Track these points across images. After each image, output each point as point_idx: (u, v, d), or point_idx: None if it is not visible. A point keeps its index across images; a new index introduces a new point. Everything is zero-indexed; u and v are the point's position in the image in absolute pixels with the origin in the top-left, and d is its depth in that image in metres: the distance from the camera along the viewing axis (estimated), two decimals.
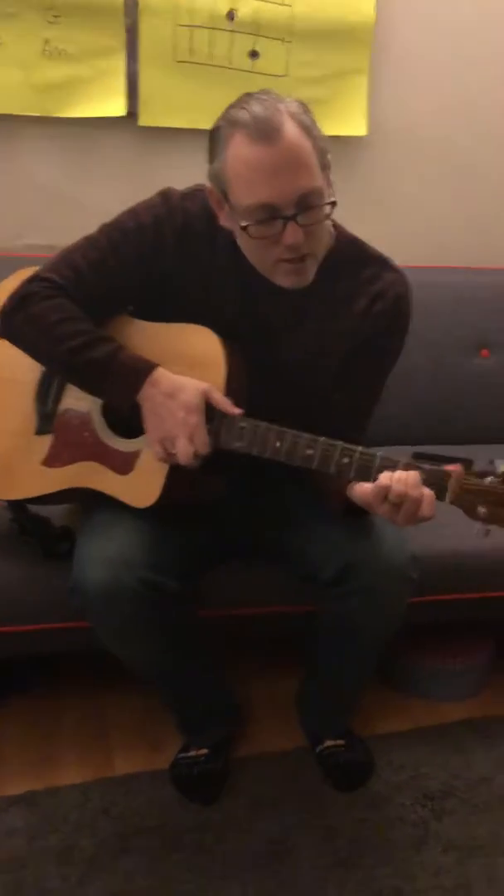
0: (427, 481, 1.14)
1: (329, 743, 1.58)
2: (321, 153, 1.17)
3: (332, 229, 1.29)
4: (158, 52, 1.91)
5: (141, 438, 1.29)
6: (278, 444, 1.20)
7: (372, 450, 1.17)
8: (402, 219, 2.15)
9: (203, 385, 1.21)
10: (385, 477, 1.13)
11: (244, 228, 1.16)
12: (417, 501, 1.12)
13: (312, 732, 1.62)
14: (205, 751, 1.54)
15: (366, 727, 1.68)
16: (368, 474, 1.16)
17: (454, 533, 1.56)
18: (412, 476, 1.13)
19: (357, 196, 2.05)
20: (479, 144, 2.15)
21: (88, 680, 1.77)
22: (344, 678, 1.52)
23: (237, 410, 1.22)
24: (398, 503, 1.13)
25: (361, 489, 1.18)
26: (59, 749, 1.61)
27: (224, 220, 1.23)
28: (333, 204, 1.18)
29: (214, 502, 1.35)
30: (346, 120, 2.06)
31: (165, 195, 1.29)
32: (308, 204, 1.14)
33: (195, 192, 1.29)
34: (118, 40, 1.89)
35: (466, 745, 1.65)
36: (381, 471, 1.15)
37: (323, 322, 1.31)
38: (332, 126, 2.02)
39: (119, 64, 1.91)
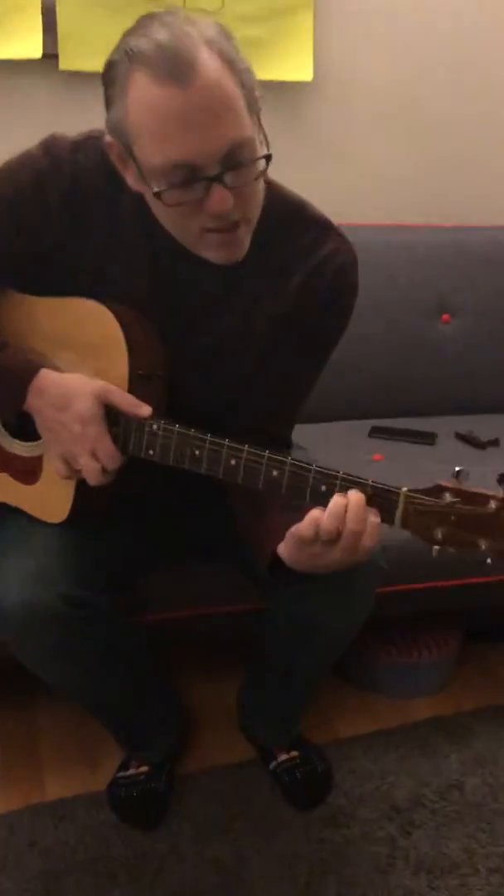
0: (372, 497, 0.92)
1: (283, 757, 1.43)
2: (248, 92, 0.91)
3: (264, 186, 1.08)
4: None
5: (42, 442, 1.09)
6: (196, 453, 0.99)
7: (306, 462, 0.95)
8: (352, 173, 1.97)
9: (96, 386, 1.00)
10: (311, 519, 0.92)
11: (157, 195, 0.92)
12: (357, 534, 0.91)
13: (262, 746, 1.46)
14: (145, 768, 1.38)
15: (324, 730, 1.54)
16: (303, 490, 0.95)
17: None
18: (353, 504, 0.91)
19: (302, 149, 1.90)
20: (436, 89, 1.97)
21: (16, 688, 1.59)
22: (298, 685, 1.35)
23: (144, 411, 1.00)
24: (331, 541, 0.92)
25: (290, 534, 0.96)
26: None
27: (132, 182, 0.98)
28: (268, 158, 0.94)
29: (137, 499, 1.17)
30: (290, 63, 1.86)
31: (48, 145, 1.03)
32: (237, 160, 0.90)
33: (89, 140, 1.03)
34: None
35: (435, 747, 1.51)
36: (316, 489, 0.94)
37: (255, 300, 1.09)
38: (273, 70, 1.83)
39: None
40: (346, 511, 0.91)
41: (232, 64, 0.90)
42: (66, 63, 1.73)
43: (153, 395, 1.04)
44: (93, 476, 1.01)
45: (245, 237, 0.99)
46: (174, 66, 0.86)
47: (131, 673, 1.27)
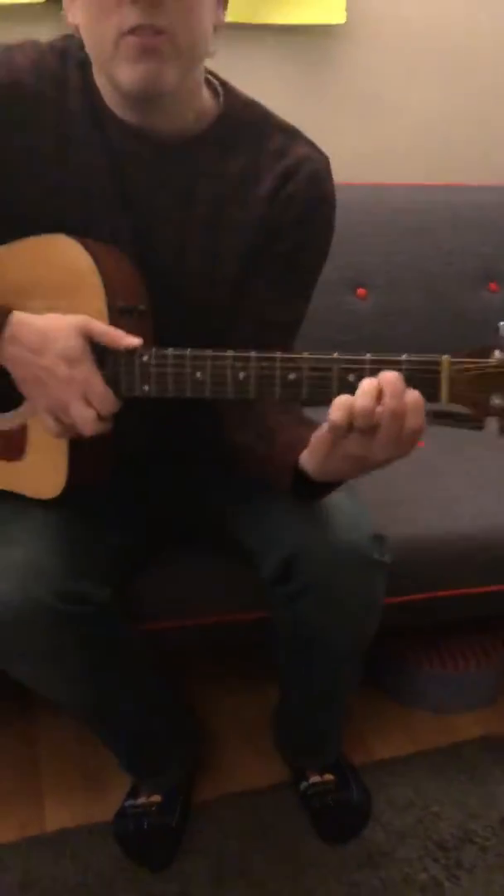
0: (411, 378, 0.77)
1: (315, 779, 1.27)
2: None
3: (218, 94, 0.97)
4: None
5: (23, 408, 0.96)
6: (199, 375, 0.85)
7: (325, 354, 0.81)
8: (390, 126, 1.78)
9: (77, 320, 0.87)
10: (340, 403, 0.78)
11: None
12: (398, 415, 0.76)
13: (294, 765, 1.30)
14: (158, 798, 1.22)
15: (360, 750, 1.37)
16: (328, 388, 0.80)
17: (451, 513, 1.28)
18: (388, 381, 0.76)
19: (335, 99, 1.73)
20: (479, 37, 1.76)
21: (15, 702, 1.44)
22: (317, 699, 1.18)
23: (133, 341, 0.87)
24: (369, 427, 0.77)
25: (316, 438, 0.83)
26: None
27: (71, 14, 0.89)
28: None
29: (133, 467, 1.04)
30: (319, 4, 1.67)
31: None
32: None
33: (24, 44, 0.95)
34: None
35: (485, 772, 1.33)
36: (343, 379, 0.80)
37: (217, 210, 0.98)
38: (302, 13, 1.64)
39: None
40: (380, 390, 0.76)
41: None
42: None
43: (138, 332, 0.90)
44: (88, 425, 0.87)
45: (169, 61, 0.85)
46: None
47: (137, 681, 1.12)
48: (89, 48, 0.89)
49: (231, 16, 1.01)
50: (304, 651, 1.10)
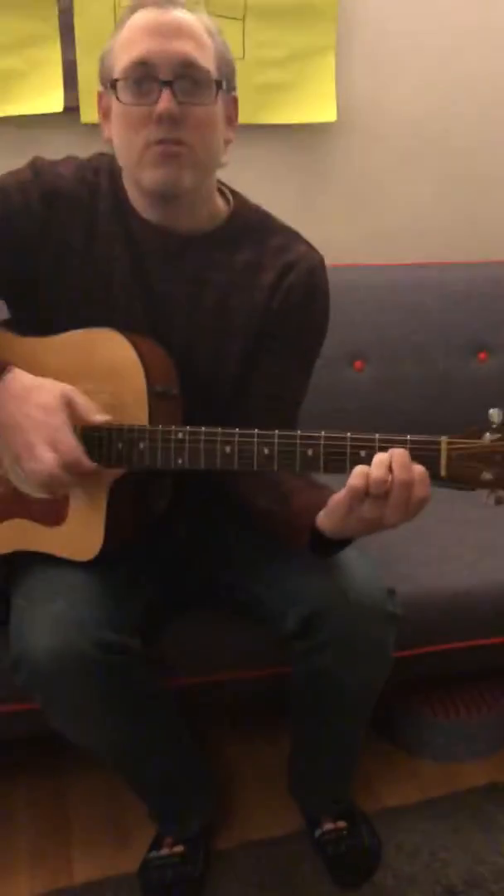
0: (415, 455, 0.91)
1: (328, 826, 1.34)
2: (220, 56, 1.05)
3: (228, 200, 1.14)
4: (98, 38, 1.68)
5: None
6: (227, 450, 0.98)
7: (339, 432, 0.95)
8: (381, 213, 1.92)
9: (61, 386, 1.00)
10: (359, 472, 0.91)
11: (113, 85, 1.02)
12: (408, 484, 0.90)
13: (309, 813, 1.37)
14: (181, 848, 1.29)
15: (368, 798, 1.44)
16: (342, 461, 0.94)
17: (451, 568, 1.37)
18: (397, 456, 0.90)
19: (329, 190, 1.87)
20: (463, 125, 1.92)
21: (45, 756, 1.52)
22: (331, 747, 1.28)
23: (100, 418, 1.00)
24: (382, 494, 0.90)
25: (334, 502, 0.96)
26: (6, 852, 1.35)
27: (107, 130, 1.08)
28: (219, 85, 1.03)
29: (157, 538, 1.17)
30: (313, 105, 1.82)
31: (33, 162, 1.13)
32: (190, 74, 1.00)
33: (67, 158, 1.15)
34: (51, 26, 1.67)
35: (491, 819, 1.40)
36: (356, 454, 0.93)
37: (224, 295, 1.12)
38: (297, 113, 1.80)
39: (54, 54, 1.68)
40: (391, 463, 0.90)
41: (210, 30, 1.04)
42: (86, 116, 1.72)
43: (171, 413, 1.06)
44: (47, 465, 0.97)
45: (187, 165, 1.02)
46: (163, 3, 1.02)
47: (166, 729, 1.21)
48: (120, 156, 1.06)
49: None
50: (320, 701, 1.19)
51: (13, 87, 1.69)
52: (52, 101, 1.71)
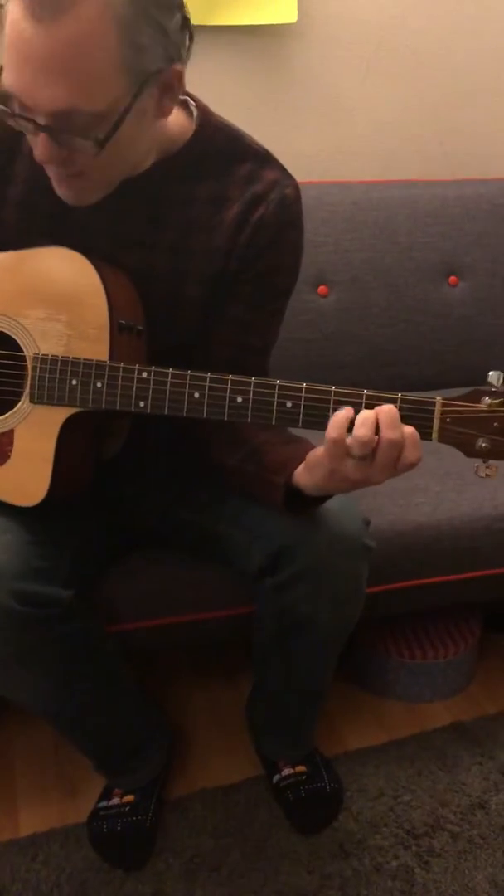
0: (405, 415, 0.82)
1: (287, 771, 1.28)
2: (136, 59, 0.79)
3: (192, 115, 0.97)
4: None
5: (11, 414, 0.97)
6: (196, 395, 0.88)
7: (323, 385, 0.85)
8: (345, 124, 1.78)
9: None
10: (337, 422, 0.82)
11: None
12: (397, 444, 0.81)
13: (267, 757, 1.31)
14: (131, 797, 1.23)
15: (331, 741, 1.38)
16: (323, 417, 0.84)
17: (417, 501, 1.30)
18: (385, 413, 0.81)
19: (288, 100, 1.72)
20: (433, 25, 1.77)
21: None
22: (298, 689, 1.20)
23: None
24: (367, 454, 0.82)
25: (314, 458, 0.87)
26: None
27: None
28: (102, 143, 0.81)
29: (106, 482, 1.05)
30: (270, 4, 1.68)
31: None
32: (67, 126, 0.80)
33: None
34: None
35: (456, 759, 1.35)
36: (338, 408, 0.84)
37: (182, 235, 0.99)
38: (253, 14, 1.64)
39: None
40: (377, 421, 0.81)
41: (123, 24, 0.77)
42: None
43: (134, 351, 0.95)
44: None
45: (92, 186, 0.90)
46: (48, 3, 0.75)
47: (105, 683, 1.12)
48: None
49: None
50: (290, 640, 1.11)
51: None
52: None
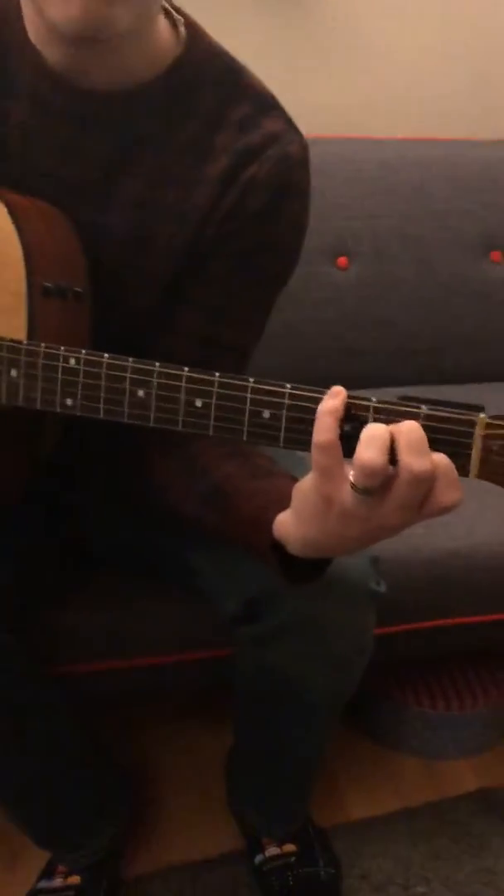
0: (432, 437, 0.55)
1: (273, 851, 1.04)
2: None
3: (179, 33, 0.75)
4: None
5: None
6: (141, 395, 0.62)
7: (316, 388, 0.58)
8: (381, 76, 1.58)
9: None
10: (325, 425, 0.55)
11: None
12: (424, 479, 0.54)
13: (249, 831, 1.07)
14: (76, 879, 0.99)
15: (331, 804, 1.15)
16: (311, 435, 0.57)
17: (438, 533, 1.05)
18: (407, 433, 0.54)
19: (319, 47, 1.53)
20: None
21: None
22: (288, 761, 0.96)
23: None
24: (372, 488, 0.55)
25: (300, 492, 0.61)
26: None
27: None
28: None
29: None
30: None
31: None
32: None
33: None
34: None
35: (482, 838, 1.11)
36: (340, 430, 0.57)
37: (150, 186, 0.76)
38: None
39: None
40: (392, 440, 0.54)
41: None
42: None
43: (69, 323, 0.72)
44: None
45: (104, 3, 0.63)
46: None
47: (48, 738, 0.90)
48: None
49: None
50: (274, 706, 0.88)
51: None
52: None
